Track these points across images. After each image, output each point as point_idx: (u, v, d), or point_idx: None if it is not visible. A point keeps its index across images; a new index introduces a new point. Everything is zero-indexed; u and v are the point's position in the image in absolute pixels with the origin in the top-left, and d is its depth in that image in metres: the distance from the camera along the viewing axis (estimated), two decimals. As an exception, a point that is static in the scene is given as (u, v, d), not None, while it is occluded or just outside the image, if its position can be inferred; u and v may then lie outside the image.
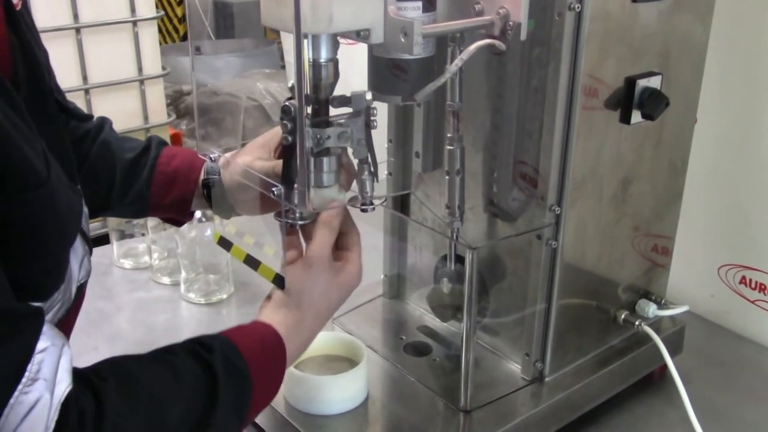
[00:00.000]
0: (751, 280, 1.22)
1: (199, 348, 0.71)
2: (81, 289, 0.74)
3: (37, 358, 0.58)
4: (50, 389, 0.58)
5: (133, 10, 2.03)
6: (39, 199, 0.60)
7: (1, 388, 0.56)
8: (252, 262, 0.84)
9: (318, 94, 0.80)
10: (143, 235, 1.44)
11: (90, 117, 0.85)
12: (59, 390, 0.59)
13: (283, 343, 0.76)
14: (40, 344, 0.59)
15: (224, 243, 0.88)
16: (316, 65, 0.79)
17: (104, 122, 0.96)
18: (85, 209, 0.75)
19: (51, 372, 0.59)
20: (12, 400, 0.56)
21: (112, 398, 0.62)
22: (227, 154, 0.94)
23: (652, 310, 1.06)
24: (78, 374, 0.62)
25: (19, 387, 0.57)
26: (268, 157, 0.92)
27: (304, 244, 0.83)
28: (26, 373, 0.57)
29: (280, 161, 0.87)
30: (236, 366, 0.71)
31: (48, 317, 0.65)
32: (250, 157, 0.92)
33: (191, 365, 0.69)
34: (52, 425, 0.58)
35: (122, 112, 2.08)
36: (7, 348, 0.57)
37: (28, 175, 0.59)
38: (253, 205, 0.94)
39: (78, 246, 0.71)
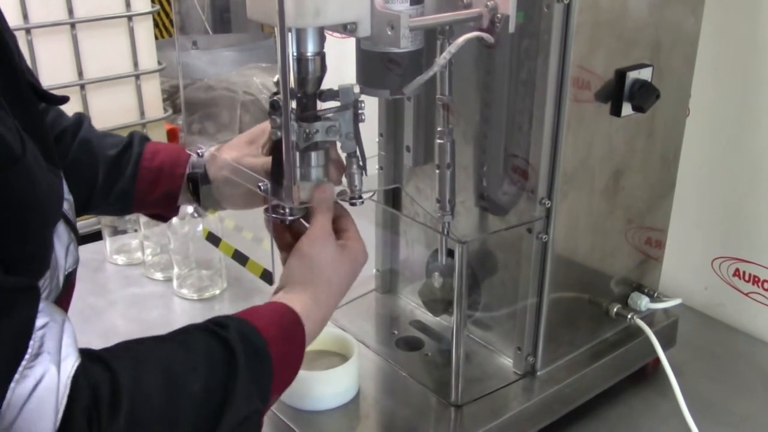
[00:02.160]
0: (744, 273, 1.22)
1: (212, 326, 0.70)
2: (70, 279, 0.73)
3: (38, 334, 0.57)
4: (56, 362, 0.57)
5: (128, 4, 2.02)
6: (15, 176, 0.59)
7: (5, 364, 0.55)
8: (240, 258, 0.84)
9: (305, 88, 0.80)
10: (136, 231, 1.43)
11: (65, 99, 0.82)
12: (66, 365, 0.58)
13: (300, 320, 0.75)
14: (40, 320, 0.58)
15: (213, 238, 0.88)
16: (302, 59, 0.78)
17: (82, 119, 0.95)
18: (70, 197, 0.74)
19: (54, 346, 0.58)
20: (17, 376, 0.55)
21: (125, 372, 0.61)
22: (212, 149, 0.94)
23: (644, 303, 1.06)
24: (86, 352, 0.61)
25: (23, 363, 0.56)
26: (257, 153, 0.92)
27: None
28: (29, 349, 0.56)
29: (269, 158, 0.87)
30: (253, 341, 0.70)
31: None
32: (238, 154, 0.92)
33: (206, 341, 0.68)
34: (64, 400, 0.57)
35: (118, 108, 2.07)
36: (5, 323, 0.56)
37: (1, 151, 0.57)
38: (240, 200, 0.94)
39: (63, 232, 0.70)
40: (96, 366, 0.61)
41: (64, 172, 0.88)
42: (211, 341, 0.68)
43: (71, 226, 0.73)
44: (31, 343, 0.57)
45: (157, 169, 0.94)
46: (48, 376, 0.57)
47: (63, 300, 0.73)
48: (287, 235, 0.84)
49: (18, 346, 0.56)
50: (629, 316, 1.04)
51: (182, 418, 0.64)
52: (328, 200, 0.82)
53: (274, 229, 0.84)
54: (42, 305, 0.59)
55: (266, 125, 0.89)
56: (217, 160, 0.92)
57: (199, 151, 0.92)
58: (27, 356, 0.56)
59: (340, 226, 0.84)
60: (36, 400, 0.56)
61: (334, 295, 0.81)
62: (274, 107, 0.80)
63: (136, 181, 0.93)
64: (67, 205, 0.73)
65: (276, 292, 0.80)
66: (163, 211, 0.98)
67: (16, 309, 0.57)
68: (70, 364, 0.58)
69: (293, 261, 0.80)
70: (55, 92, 0.81)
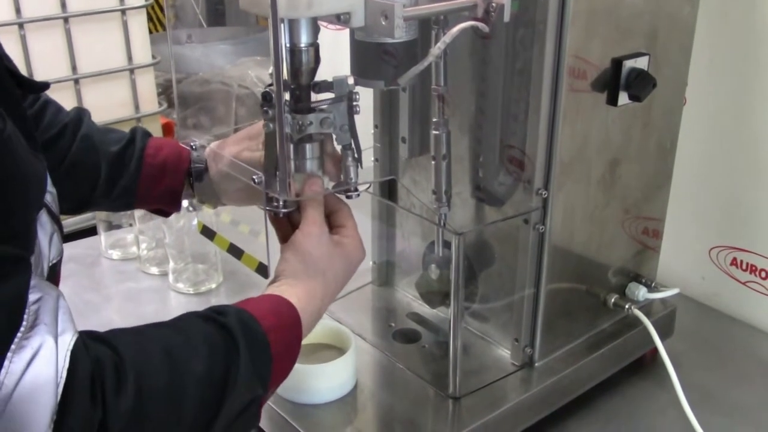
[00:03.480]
0: (742, 262, 1.22)
1: (211, 312, 0.70)
2: (55, 270, 0.72)
3: (32, 308, 0.56)
4: (53, 334, 0.56)
5: (121, -2, 2.01)
6: None
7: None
8: (235, 251, 0.83)
9: (299, 80, 0.79)
10: (131, 225, 1.43)
11: (46, 85, 0.78)
12: (65, 338, 0.57)
13: (296, 310, 0.75)
14: (33, 295, 0.57)
15: (207, 232, 0.87)
16: (296, 50, 0.78)
17: (82, 114, 0.94)
18: (53, 189, 0.73)
19: (51, 320, 0.57)
20: (13, 346, 0.54)
21: (128, 349, 0.61)
22: (213, 144, 0.93)
23: (642, 293, 1.06)
24: (85, 331, 0.60)
25: (18, 334, 0.55)
26: (256, 148, 0.91)
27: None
28: (23, 321, 0.55)
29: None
30: (252, 328, 0.70)
31: None
32: (237, 148, 0.92)
33: (205, 326, 0.68)
34: (64, 373, 0.56)
35: (113, 102, 2.06)
36: None
37: None
38: (239, 195, 0.94)
39: (45, 222, 0.69)
40: (97, 343, 0.60)
41: (65, 169, 0.87)
42: (210, 327, 0.68)
43: (54, 217, 0.72)
44: (26, 316, 0.56)
45: (161, 165, 0.93)
46: (45, 347, 0.55)
47: None
48: (286, 225, 0.83)
49: (12, 316, 0.55)
50: (627, 307, 1.04)
51: (186, 401, 0.63)
52: (317, 194, 0.81)
53: (272, 220, 0.83)
54: (35, 281, 0.58)
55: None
56: (218, 155, 0.92)
57: (192, 144, 0.92)
58: (22, 328, 0.55)
59: (338, 221, 0.84)
60: (34, 372, 0.55)
61: (329, 290, 0.80)
62: (267, 99, 0.79)
63: (139, 177, 0.92)
64: (50, 197, 0.72)
65: (270, 285, 0.79)
66: (165, 207, 0.97)
67: (7, 278, 0.56)
68: (68, 337, 0.57)
69: (287, 254, 0.79)
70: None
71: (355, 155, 0.83)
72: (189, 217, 1.27)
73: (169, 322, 0.69)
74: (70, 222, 1.73)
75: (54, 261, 0.70)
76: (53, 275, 0.71)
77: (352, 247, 0.83)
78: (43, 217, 0.68)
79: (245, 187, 0.87)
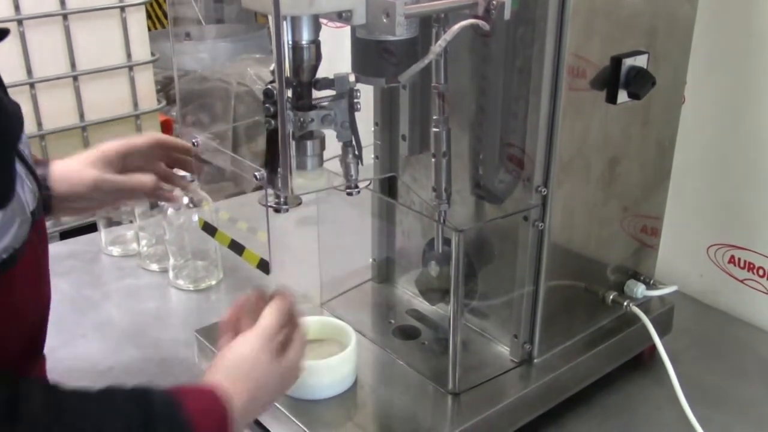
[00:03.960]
0: (739, 260, 1.22)
1: (137, 388, 0.70)
2: (36, 219, 0.72)
3: None
4: None
5: (120, -5, 2.01)
6: None
7: None
8: (236, 247, 0.84)
9: (300, 77, 0.79)
10: (131, 222, 1.43)
11: (6, 31, 0.71)
12: None
13: (224, 401, 0.73)
14: None
15: (209, 228, 0.87)
16: (297, 47, 0.78)
17: None
18: (25, 136, 0.73)
19: None
20: None
21: (33, 402, 0.61)
22: (60, 163, 0.95)
23: (640, 290, 1.06)
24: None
25: None
26: (117, 171, 0.95)
27: None
28: None
29: (130, 176, 0.93)
30: (174, 409, 0.69)
31: (12, 231, 0.64)
32: (96, 171, 0.94)
33: (124, 402, 0.68)
34: None
35: (112, 100, 2.06)
36: None
37: None
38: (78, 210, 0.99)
39: (19, 169, 0.69)
40: (1, 385, 0.60)
41: None
42: (131, 402, 0.68)
43: (27, 165, 0.72)
44: None
45: None
46: None
47: (38, 246, 0.72)
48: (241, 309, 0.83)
49: None
50: (625, 304, 1.04)
51: None
52: (285, 308, 0.81)
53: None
54: None
55: (111, 144, 0.95)
56: (76, 174, 0.94)
57: (194, 140, 0.92)
58: None
59: (287, 334, 0.82)
60: None
61: (256, 402, 0.78)
62: (269, 95, 0.79)
63: None
64: (23, 144, 0.72)
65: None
66: None
67: None
68: None
69: (228, 351, 0.78)
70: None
71: (356, 152, 0.84)
72: (189, 213, 1.28)
73: (95, 392, 0.68)
74: (71, 219, 1.74)
75: (32, 208, 0.71)
76: (38, 227, 0.70)
77: (292, 365, 0.81)
78: (17, 166, 0.68)
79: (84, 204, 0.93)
